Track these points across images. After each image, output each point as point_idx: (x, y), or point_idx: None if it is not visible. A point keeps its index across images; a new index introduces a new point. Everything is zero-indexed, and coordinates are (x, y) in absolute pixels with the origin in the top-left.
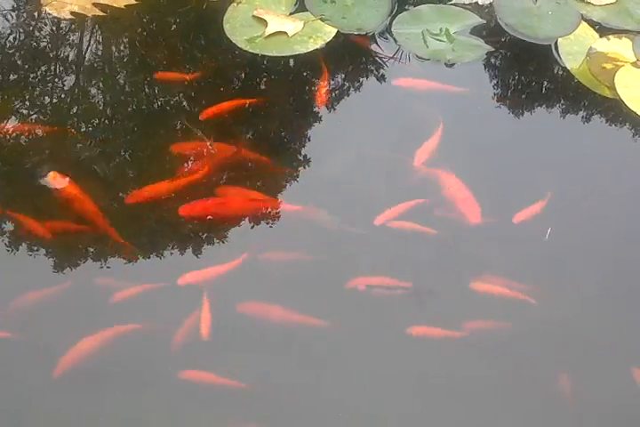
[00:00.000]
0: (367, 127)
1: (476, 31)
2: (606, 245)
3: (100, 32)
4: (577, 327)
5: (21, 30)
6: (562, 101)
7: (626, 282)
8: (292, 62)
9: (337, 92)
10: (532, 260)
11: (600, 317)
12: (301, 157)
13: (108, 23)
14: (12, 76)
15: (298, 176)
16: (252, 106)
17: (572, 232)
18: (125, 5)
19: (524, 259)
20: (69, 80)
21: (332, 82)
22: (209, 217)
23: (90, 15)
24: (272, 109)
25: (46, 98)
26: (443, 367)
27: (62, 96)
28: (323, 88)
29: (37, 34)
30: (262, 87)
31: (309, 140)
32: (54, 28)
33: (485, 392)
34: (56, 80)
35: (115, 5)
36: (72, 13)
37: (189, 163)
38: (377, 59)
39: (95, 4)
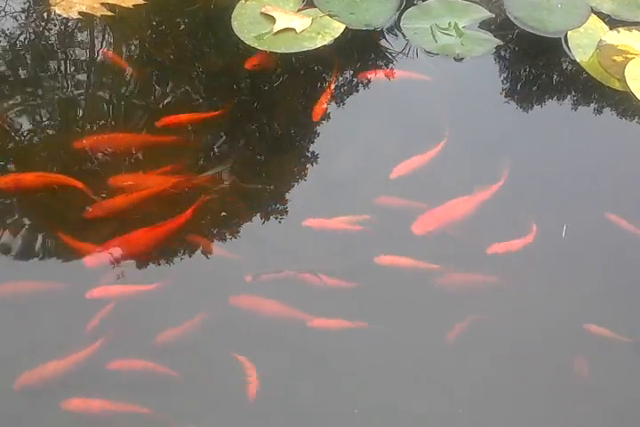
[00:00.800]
0: (375, 123)
1: (484, 25)
2: (615, 240)
3: (108, 31)
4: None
5: (30, 30)
6: (572, 94)
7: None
8: (301, 58)
9: (346, 87)
10: None
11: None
12: (309, 153)
13: (116, 23)
14: (21, 75)
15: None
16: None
17: (583, 227)
18: (133, 5)
19: None
20: (77, 79)
21: (340, 78)
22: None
23: (98, 15)
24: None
25: (54, 96)
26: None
27: (70, 95)
28: (322, 103)
29: (46, 33)
30: (271, 84)
31: (315, 135)
32: (63, 28)
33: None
34: (64, 79)
35: (123, 5)
36: (80, 13)
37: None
38: (386, 54)
39: (103, 4)
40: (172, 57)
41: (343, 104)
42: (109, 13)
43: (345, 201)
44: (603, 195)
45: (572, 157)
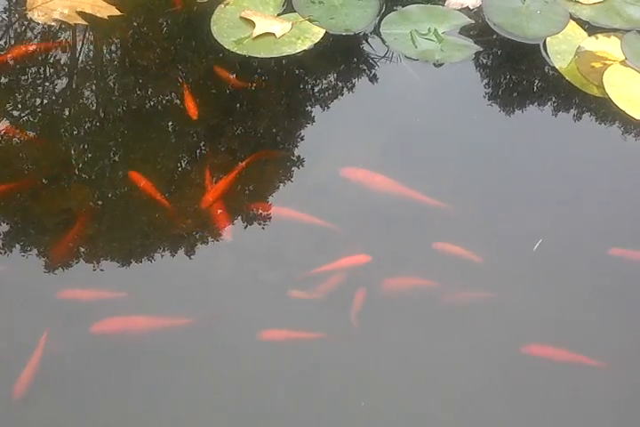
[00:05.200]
0: (354, 129)
1: (464, 31)
2: (594, 244)
3: (85, 38)
4: None
5: (6, 35)
6: (551, 101)
7: None
8: (280, 63)
9: (326, 93)
10: None
11: None
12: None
13: (93, 30)
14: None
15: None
16: None
17: (558, 232)
18: (109, 16)
19: None
20: (54, 85)
21: (320, 83)
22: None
23: (73, 23)
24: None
25: (29, 103)
26: None
27: (47, 101)
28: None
29: (21, 39)
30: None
31: (296, 139)
32: (38, 34)
33: None
34: (40, 85)
35: (98, 15)
36: (56, 21)
37: None
38: (365, 59)
39: (79, 13)
40: (151, 63)
41: (323, 110)
42: (84, 22)
43: None
44: (582, 199)
45: (551, 161)
